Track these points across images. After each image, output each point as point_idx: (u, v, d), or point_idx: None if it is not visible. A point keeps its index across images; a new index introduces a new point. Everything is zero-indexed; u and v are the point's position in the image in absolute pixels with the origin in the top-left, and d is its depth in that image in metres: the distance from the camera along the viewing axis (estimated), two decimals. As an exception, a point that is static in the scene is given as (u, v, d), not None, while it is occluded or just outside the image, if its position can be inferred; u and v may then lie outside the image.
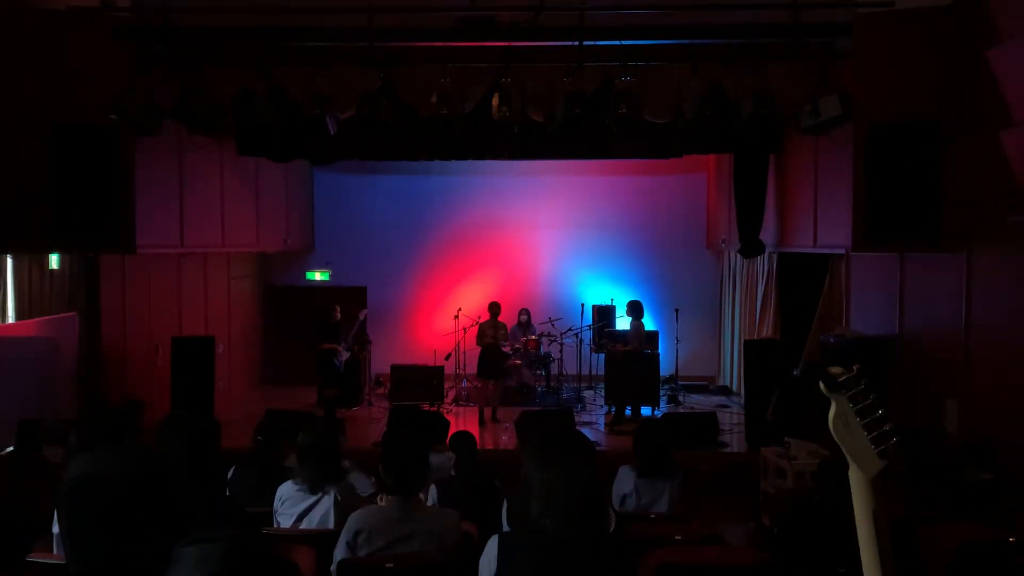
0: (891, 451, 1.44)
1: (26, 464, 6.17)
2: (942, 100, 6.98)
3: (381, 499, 4.66)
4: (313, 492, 4.36)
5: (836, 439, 1.48)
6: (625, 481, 5.26)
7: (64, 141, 7.39)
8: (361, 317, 11.93)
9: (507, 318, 12.14)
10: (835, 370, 1.47)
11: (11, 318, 7.85)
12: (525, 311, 12.50)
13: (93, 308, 8.97)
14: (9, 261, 7.76)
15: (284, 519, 4.40)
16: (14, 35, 7.22)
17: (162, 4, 7.29)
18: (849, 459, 1.48)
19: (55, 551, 3.77)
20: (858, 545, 1.53)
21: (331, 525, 4.27)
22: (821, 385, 1.47)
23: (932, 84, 7.02)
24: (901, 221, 7.08)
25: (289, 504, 4.40)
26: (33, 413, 6.79)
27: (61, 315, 8.56)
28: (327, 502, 4.33)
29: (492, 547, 2.70)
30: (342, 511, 4.23)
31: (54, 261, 8.43)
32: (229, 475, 5.07)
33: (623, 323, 12.16)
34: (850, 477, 1.50)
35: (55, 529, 3.89)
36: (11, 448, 6.39)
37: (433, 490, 5.01)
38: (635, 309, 10.95)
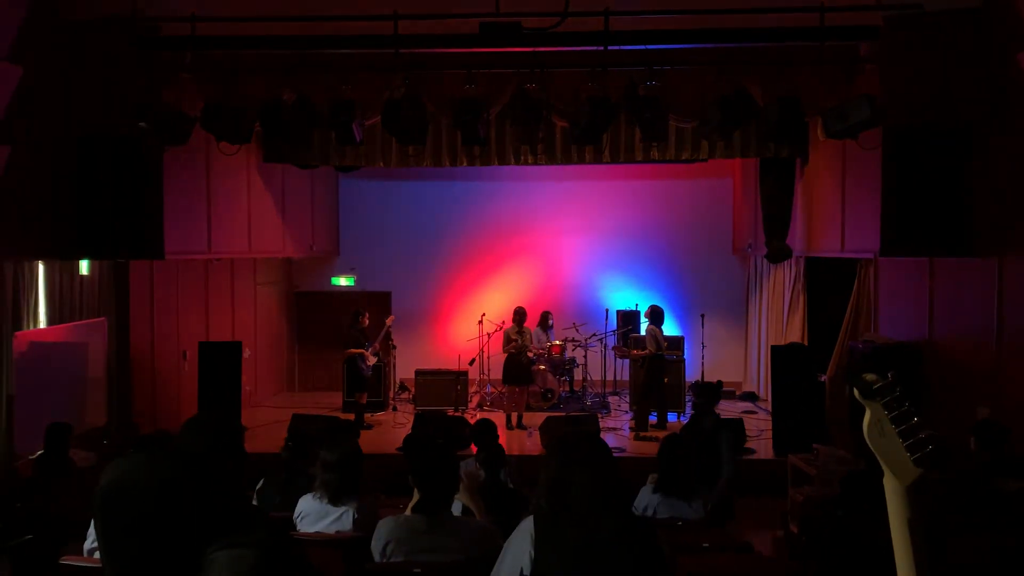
0: (927, 460, 1.42)
1: (54, 468, 6.24)
2: (972, 103, 6.87)
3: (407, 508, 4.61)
4: (333, 504, 4.34)
5: (871, 447, 1.46)
6: (642, 497, 5.12)
7: (94, 150, 7.50)
8: (388, 324, 11.92)
9: (531, 323, 12.07)
10: (870, 377, 1.45)
11: (43, 323, 7.94)
12: (547, 313, 12.40)
13: (122, 313, 9.06)
14: (40, 267, 7.86)
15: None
16: (43, 45, 7.31)
17: (190, 14, 7.37)
18: (884, 467, 1.46)
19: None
20: (888, 555, 1.51)
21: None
22: (856, 392, 1.45)
23: (961, 87, 6.92)
24: (930, 226, 6.97)
25: (309, 520, 4.38)
26: (63, 417, 6.86)
27: (90, 320, 8.66)
28: (346, 518, 4.31)
29: (527, 525, 2.62)
30: (360, 528, 4.21)
31: (84, 267, 8.54)
32: (259, 485, 5.06)
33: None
34: (885, 486, 1.47)
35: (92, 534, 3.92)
36: (41, 452, 6.46)
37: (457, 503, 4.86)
38: (654, 315, 10.79)
